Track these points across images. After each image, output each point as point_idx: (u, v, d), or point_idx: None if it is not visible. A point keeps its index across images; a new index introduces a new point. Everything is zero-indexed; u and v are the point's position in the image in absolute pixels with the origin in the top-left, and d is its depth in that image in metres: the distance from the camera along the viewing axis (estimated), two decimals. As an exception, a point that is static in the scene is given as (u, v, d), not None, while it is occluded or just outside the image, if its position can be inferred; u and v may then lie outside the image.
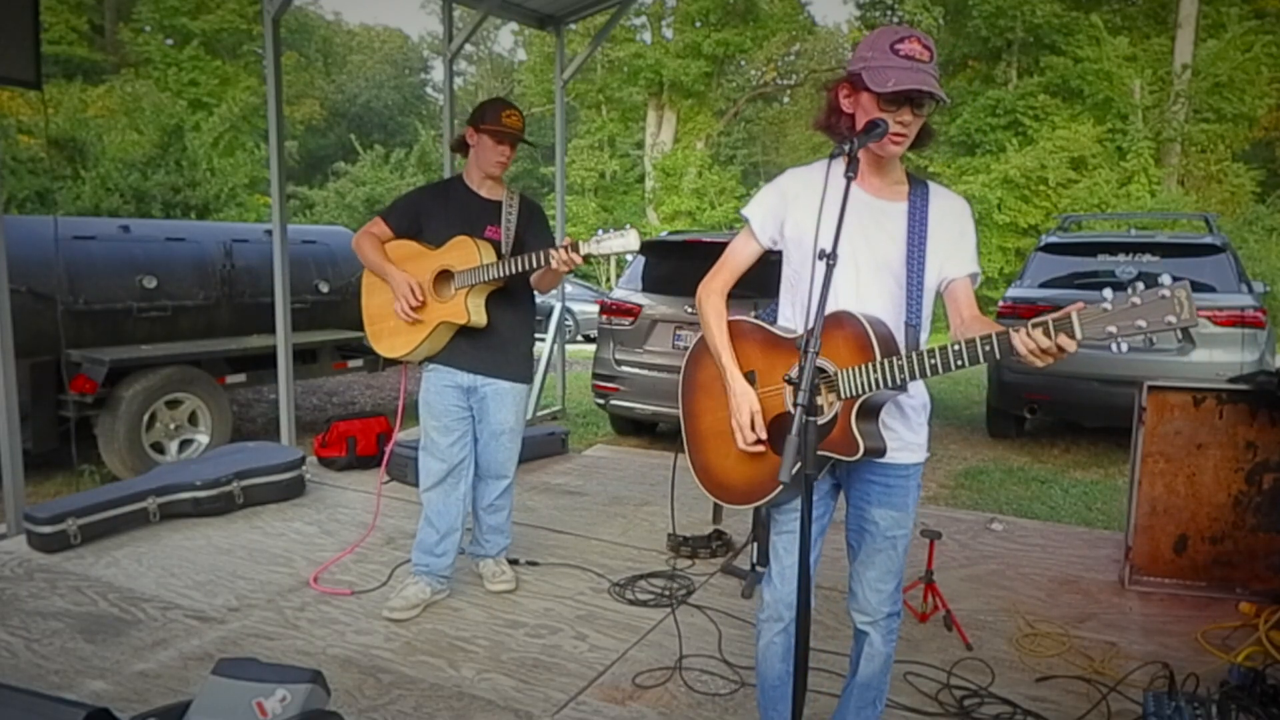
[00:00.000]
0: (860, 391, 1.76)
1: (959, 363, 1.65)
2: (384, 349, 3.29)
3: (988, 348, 1.61)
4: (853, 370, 1.77)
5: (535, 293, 3.30)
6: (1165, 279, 1.44)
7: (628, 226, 2.73)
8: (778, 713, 2.13)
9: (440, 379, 3.26)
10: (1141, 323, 1.44)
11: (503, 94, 33.38)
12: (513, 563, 3.77)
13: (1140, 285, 1.45)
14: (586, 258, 2.83)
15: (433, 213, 3.24)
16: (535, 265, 2.93)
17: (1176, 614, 3.38)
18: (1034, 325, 1.54)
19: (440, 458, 3.28)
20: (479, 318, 3.12)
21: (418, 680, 2.77)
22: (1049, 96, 20.63)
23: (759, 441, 1.91)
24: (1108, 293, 1.47)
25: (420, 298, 3.11)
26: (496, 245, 3.16)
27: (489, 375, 3.26)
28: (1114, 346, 1.49)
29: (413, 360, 3.26)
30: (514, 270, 2.97)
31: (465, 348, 3.21)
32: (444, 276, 3.14)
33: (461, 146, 3.27)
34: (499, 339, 3.22)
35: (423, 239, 3.21)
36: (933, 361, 1.68)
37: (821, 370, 1.81)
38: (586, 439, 6.82)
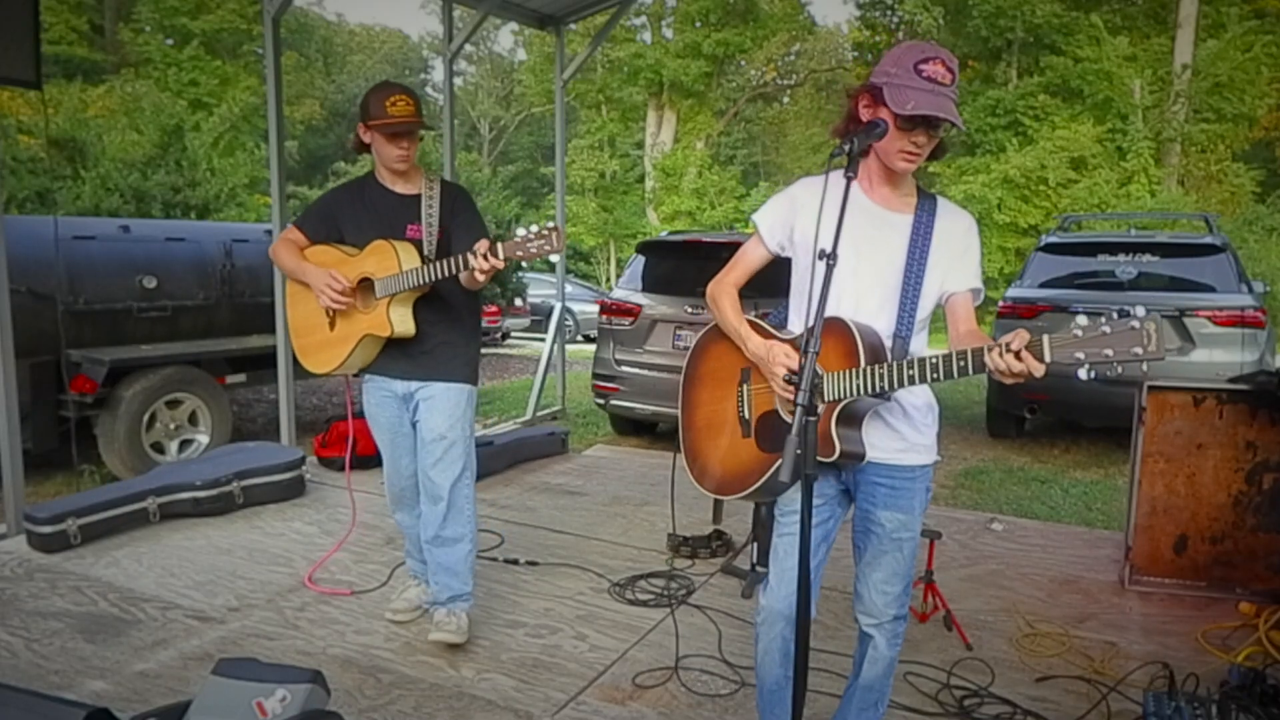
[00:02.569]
0: (842, 396, 1.79)
1: (934, 375, 1.67)
2: (312, 364, 3.04)
3: (962, 363, 1.64)
4: (837, 375, 1.79)
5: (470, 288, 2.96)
6: (1139, 310, 1.45)
7: (551, 225, 2.46)
8: (775, 715, 2.13)
9: (378, 389, 3.05)
10: (1108, 351, 1.46)
11: (502, 94, 33.37)
12: (512, 562, 3.77)
13: (1114, 314, 1.47)
14: (508, 261, 2.55)
15: (349, 215, 2.98)
16: (456, 270, 2.66)
17: (1176, 614, 3.38)
18: (1007, 347, 1.57)
19: (396, 472, 3.12)
20: (404, 328, 2.86)
21: (418, 680, 2.77)
22: (1049, 96, 20.65)
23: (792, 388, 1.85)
24: (1081, 319, 1.49)
25: (344, 283, 2.83)
26: (419, 245, 2.89)
27: (423, 379, 2.99)
28: (1081, 373, 1.50)
29: (346, 373, 3.03)
30: (435, 277, 2.71)
31: (396, 354, 2.96)
32: (366, 285, 2.88)
33: (361, 146, 2.95)
34: (432, 342, 2.96)
35: (345, 244, 2.97)
36: (910, 373, 1.70)
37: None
38: (586, 439, 6.82)
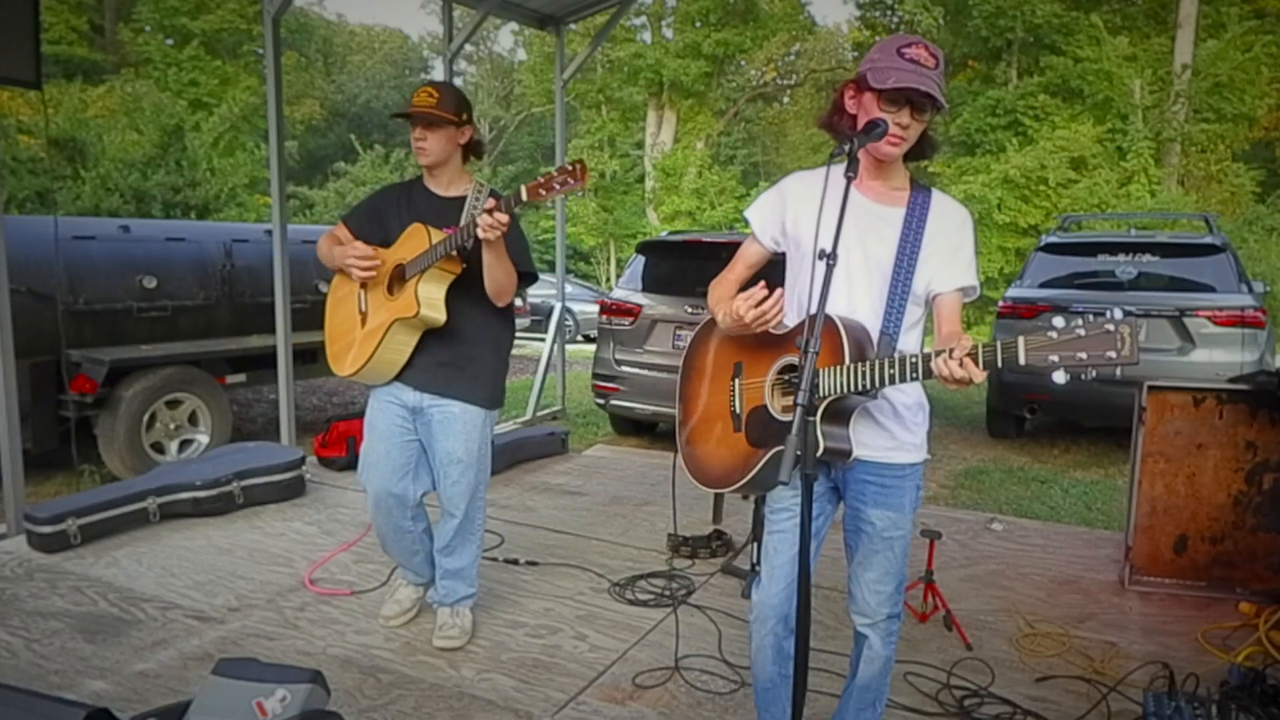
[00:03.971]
0: (828, 393, 1.77)
1: (914, 375, 1.66)
2: (340, 368, 2.94)
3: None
4: (822, 372, 1.77)
5: (497, 302, 2.83)
6: (1116, 312, 1.43)
7: (576, 160, 2.35)
8: (771, 714, 2.12)
9: (385, 393, 2.93)
10: (1082, 355, 1.44)
11: (502, 94, 33.38)
12: (512, 562, 3.77)
13: (1090, 316, 1.45)
14: (530, 203, 2.45)
15: (393, 215, 2.92)
16: (472, 234, 2.54)
17: (1176, 614, 3.38)
18: (950, 354, 1.57)
19: (378, 480, 2.94)
20: (431, 312, 2.70)
21: (418, 680, 2.77)
22: (1049, 96, 20.65)
23: (772, 307, 1.82)
24: (1057, 320, 1.47)
25: (366, 249, 2.79)
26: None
27: (438, 395, 2.86)
28: (1057, 376, 1.48)
29: (369, 379, 2.92)
30: (465, 239, 2.58)
31: (413, 359, 2.85)
32: (398, 274, 2.80)
33: None
34: (454, 352, 2.84)
35: (389, 246, 2.89)
36: (891, 371, 1.69)
37: (794, 368, 1.83)
38: (586, 439, 6.82)
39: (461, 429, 2.89)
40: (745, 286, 2.10)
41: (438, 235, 2.70)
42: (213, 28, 24.36)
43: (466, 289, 2.78)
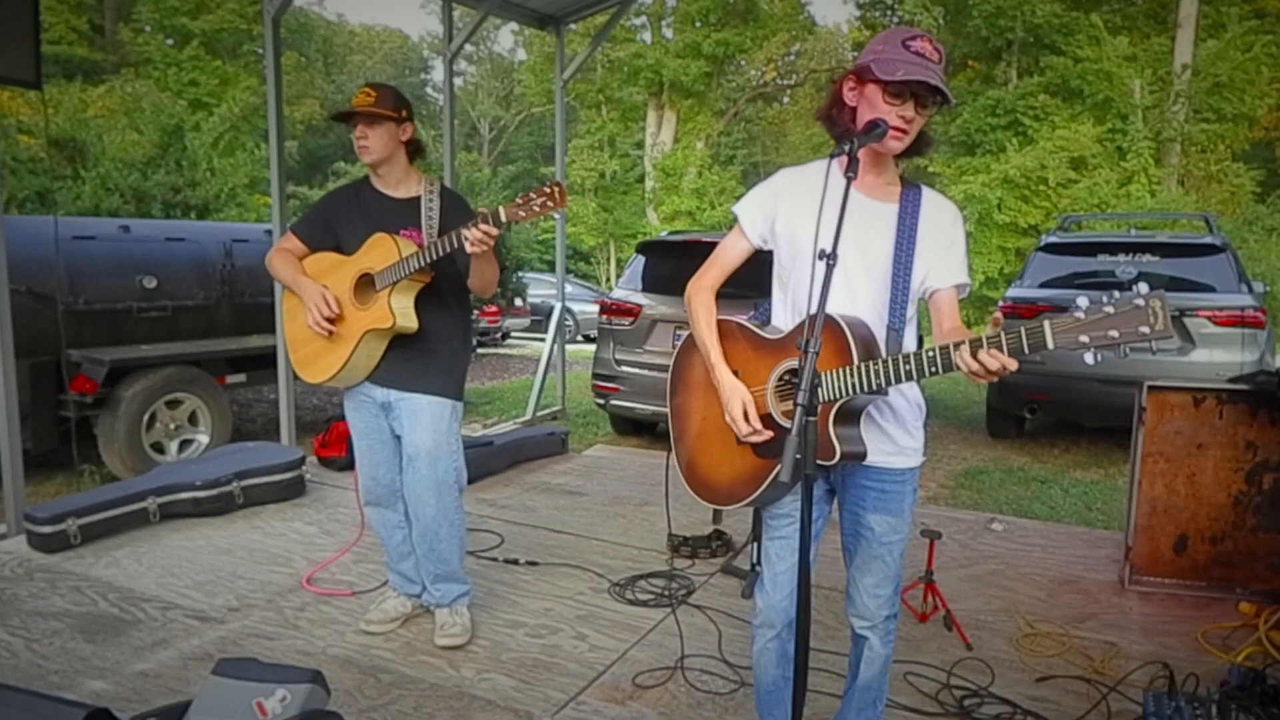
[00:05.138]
0: (838, 395, 1.73)
1: (933, 369, 1.62)
2: (311, 373, 2.93)
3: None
4: (831, 374, 1.74)
5: (482, 296, 2.92)
6: (1142, 287, 1.39)
7: (554, 182, 2.42)
8: (774, 717, 2.12)
9: (357, 392, 2.97)
10: (1114, 333, 1.40)
11: (502, 94, 33.41)
12: (512, 562, 3.77)
13: (1116, 293, 1.41)
14: (510, 223, 2.50)
15: (344, 219, 2.91)
16: (455, 246, 2.58)
17: (1176, 614, 3.38)
18: (1008, 331, 1.52)
19: (369, 475, 3.06)
20: (406, 321, 2.76)
21: (418, 680, 2.77)
22: (1049, 96, 20.64)
23: (758, 433, 1.85)
24: (1082, 300, 1.43)
25: (335, 308, 2.79)
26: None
27: (402, 389, 2.89)
28: (1087, 357, 1.43)
29: (341, 384, 2.94)
30: (437, 255, 2.63)
31: (379, 359, 2.89)
32: (365, 282, 2.79)
33: None
34: (417, 348, 2.87)
35: (343, 251, 2.90)
36: (907, 367, 1.65)
37: (796, 372, 1.81)
38: (586, 439, 6.82)
39: (429, 419, 2.91)
40: (724, 286, 2.05)
41: (406, 247, 2.71)
42: (213, 28, 24.35)
43: (431, 290, 2.84)
